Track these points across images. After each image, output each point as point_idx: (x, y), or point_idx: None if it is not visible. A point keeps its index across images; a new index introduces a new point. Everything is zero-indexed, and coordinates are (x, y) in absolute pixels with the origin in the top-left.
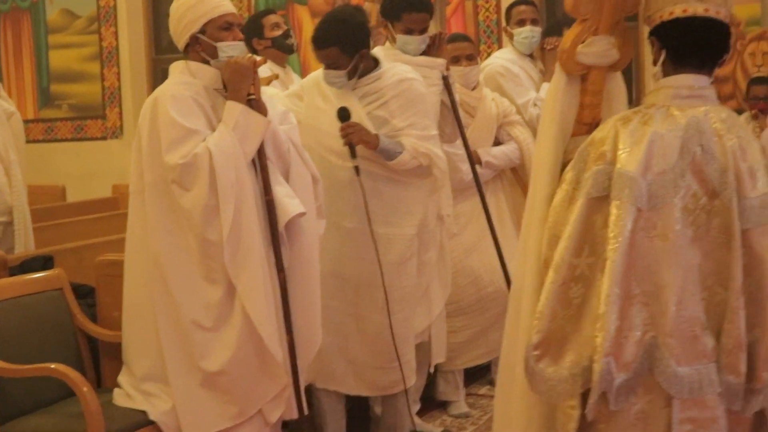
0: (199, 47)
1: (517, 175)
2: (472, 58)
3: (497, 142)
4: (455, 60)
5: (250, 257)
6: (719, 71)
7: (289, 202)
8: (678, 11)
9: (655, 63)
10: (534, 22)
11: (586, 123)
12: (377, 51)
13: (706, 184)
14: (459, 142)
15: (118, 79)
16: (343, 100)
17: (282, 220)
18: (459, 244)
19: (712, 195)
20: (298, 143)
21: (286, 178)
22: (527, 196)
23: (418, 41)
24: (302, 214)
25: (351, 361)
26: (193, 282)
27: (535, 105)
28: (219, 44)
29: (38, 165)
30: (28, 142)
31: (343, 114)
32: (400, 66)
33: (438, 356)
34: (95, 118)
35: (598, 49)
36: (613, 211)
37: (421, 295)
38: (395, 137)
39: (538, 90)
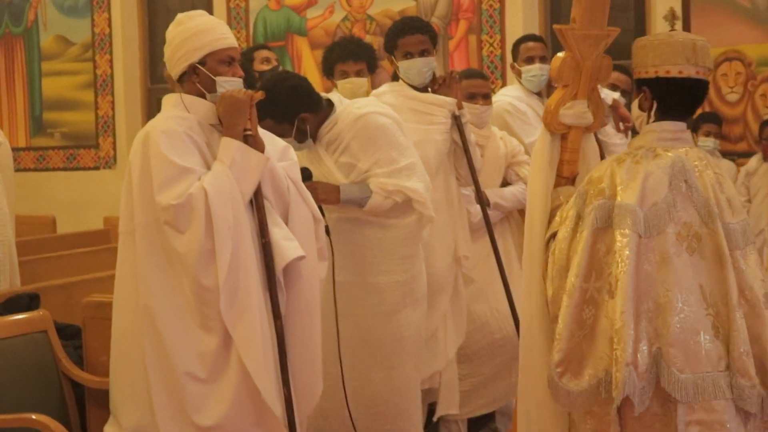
0: (196, 78)
1: (524, 216)
2: (487, 97)
3: (504, 183)
4: (470, 97)
5: (247, 304)
6: (730, 112)
7: (287, 245)
8: (674, 72)
9: (643, 109)
10: (543, 59)
11: (565, 177)
12: (383, 88)
13: (693, 215)
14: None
15: (113, 108)
16: (313, 155)
17: (279, 264)
18: (466, 288)
19: (701, 223)
20: (298, 180)
21: (285, 219)
22: (524, 243)
23: (419, 64)
24: (301, 258)
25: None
26: (186, 330)
27: None
28: (218, 78)
29: (29, 194)
30: (18, 170)
31: (305, 174)
32: (357, 102)
33: (448, 406)
34: (88, 148)
35: (577, 112)
36: (618, 238)
37: (427, 340)
38: (365, 179)
39: None
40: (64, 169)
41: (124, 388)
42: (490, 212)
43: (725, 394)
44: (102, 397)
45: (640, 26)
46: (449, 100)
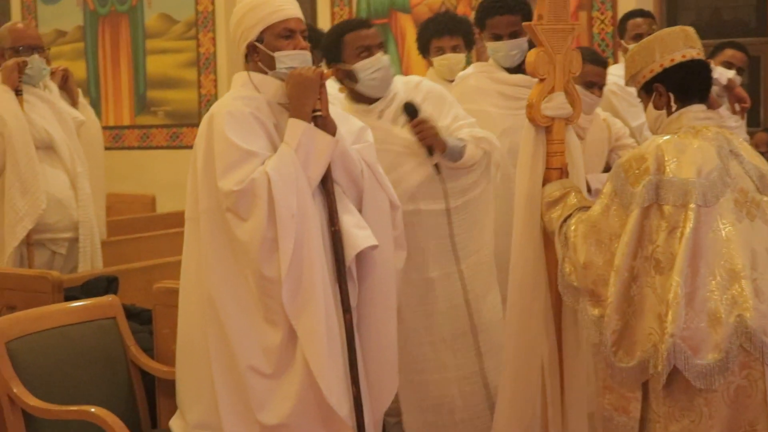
0: (257, 57)
1: None
2: (602, 87)
3: (607, 167)
4: (588, 85)
5: (311, 298)
6: None
7: (359, 233)
8: (678, 57)
9: (659, 107)
10: None
11: (556, 168)
12: (469, 69)
13: (748, 182)
14: None
15: (215, 87)
16: (383, 136)
17: (350, 253)
18: None
19: (755, 191)
20: (374, 164)
21: (359, 205)
22: (513, 233)
23: (508, 47)
24: (374, 247)
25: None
26: (251, 323)
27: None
28: (277, 54)
29: (133, 173)
30: (123, 148)
31: (411, 109)
32: (400, 78)
33: None
34: (191, 126)
35: (557, 104)
36: (669, 214)
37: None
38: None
39: None
40: (167, 147)
41: (189, 381)
42: (591, 199)
43: None
44: (172, 388)
45: (762, 1)
46: None
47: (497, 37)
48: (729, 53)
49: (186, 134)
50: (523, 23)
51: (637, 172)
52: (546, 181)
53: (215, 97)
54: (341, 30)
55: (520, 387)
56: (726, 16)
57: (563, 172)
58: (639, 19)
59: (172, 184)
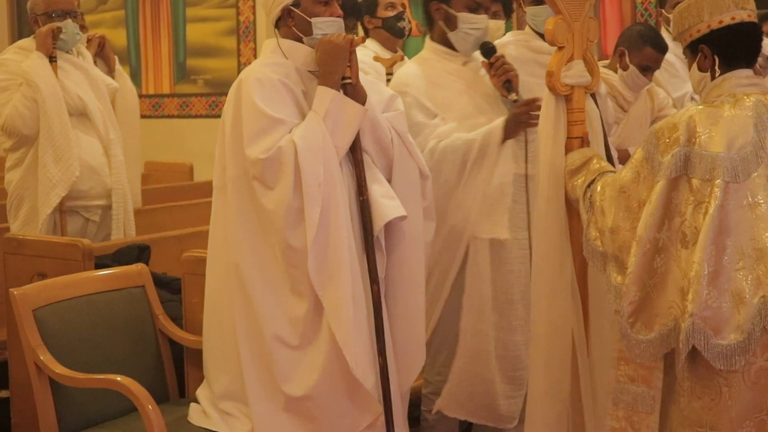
0: (292, 22)
1: None
2: (653, 72)
3: None
4: (644, 69)
5: (338, 268)
6: None
7: (388, 203)
8: (727, 19)
9: (703, 69)
10: None
11: (577, 137)
12: (506, 37)
13: None
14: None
15: (255, 55)
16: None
17: (378, 224)
18: None
19: None
20: (404, 132)
21: (389, 174)
22: (537, 203)
23: (548, 11)
24: (403, 218)
25: (485, 390)
26: (277, 293)
27: (692, 99)
28: (314, 20)
29: (173, 141)
30: (162, 117)
31: (488, 48)
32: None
33: None
34: None
35: (577, 71)
36: (697, 187)
37: None
38: None
39: None
40: (206, 116)
41: (215, 351)
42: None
43: None
44: (200, 357)
45: None
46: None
47: (538, 2)
48: None
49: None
50: None
51: (667, 141)
52: (568, 149)
53: None
54: None
55: (552, 363)
56: None
57: (584, 141)
58: None
59: (210, 153)
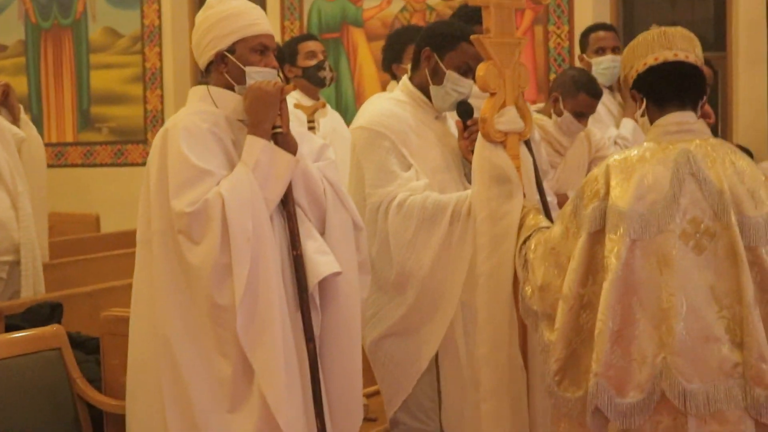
0: (224, 68)
1: None
2: (588, 118)
3: None
4: (579, 115)
5: (268, 328)
6: None
7: (322, 259)
8: (650, 60)
9: (643, 115)
10: (615, 50)
11: None
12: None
13: (704, 209)
14: (545, 185)
15: (162, 102)
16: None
17: (312, 281)
18: None
19: (713, 218)
20: (337, 182)
21: (322, 227)
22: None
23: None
24: (338, 274)
25: None
26: (205, 355)
27: (615, 143)
28: (248, 68)
29: (77, 191)
30: (66, 166)
31: (466, 109)
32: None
33: None
34: (136, 143)
35: (510, 117)
36: (608, 244)
37: None
38: None
39: (617, 126)
40: (112, 165)
41: (140, 417)
42: None
43: (740, 404)
44: (122, 423)
45: (720, 16)
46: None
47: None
48: None
49: (131, 151)
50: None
51: (589, 194)
52: None
53: (161, 113)
54: (470, 32)
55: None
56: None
57: None
58: (601, 33)
59: (116, 203)
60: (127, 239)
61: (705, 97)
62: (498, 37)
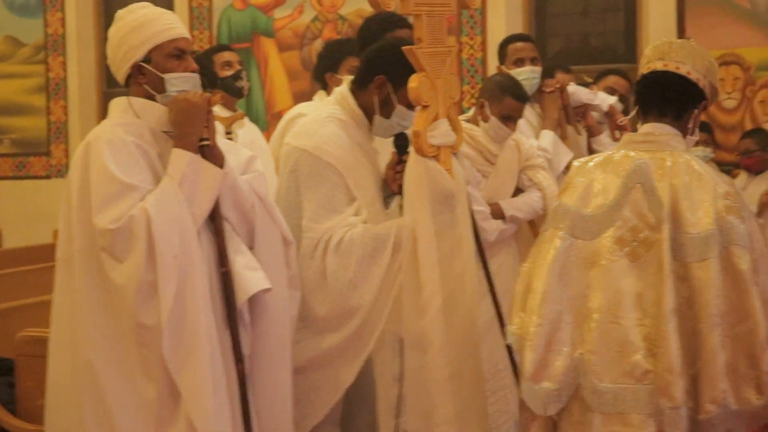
0: (143, 79)
1: (534, 229)
2: (516, 121)
3: (517, 190)
4: (506, 118)
5: (195, 347)
6: (727, 120)
7: (251, 275)
8: (644, 70)
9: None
10: (534, 61)
11: None
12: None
13: (645, 219)
14: (477, 195)
15: (66, 114)
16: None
17: (241, 298)
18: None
19: (652, 229)
20: (266, 196)
21: (250, 242)
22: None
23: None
24: (267, 290)
25: None
26: (129, 378)
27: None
28: (167, 75)
29: None
30: None
31: (403, 143)
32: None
33: None
34: (39, 155)
35: (443, 131)
36: (550, 236)
37: None
38: None
39: (537, 137)
40: (14, 177)
41: None
42: (506, 226)
43: (645, 409)
44: None
45: (630, 28)
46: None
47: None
48: (612, 80)
49: (34, 164)
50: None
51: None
52: None
53: (65, 125)
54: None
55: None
56: (595, 42)
57: None
58: (520, 44)
59: (19, 217)
60: (32, 255)
61: (698, 109)
62: (430, 46)
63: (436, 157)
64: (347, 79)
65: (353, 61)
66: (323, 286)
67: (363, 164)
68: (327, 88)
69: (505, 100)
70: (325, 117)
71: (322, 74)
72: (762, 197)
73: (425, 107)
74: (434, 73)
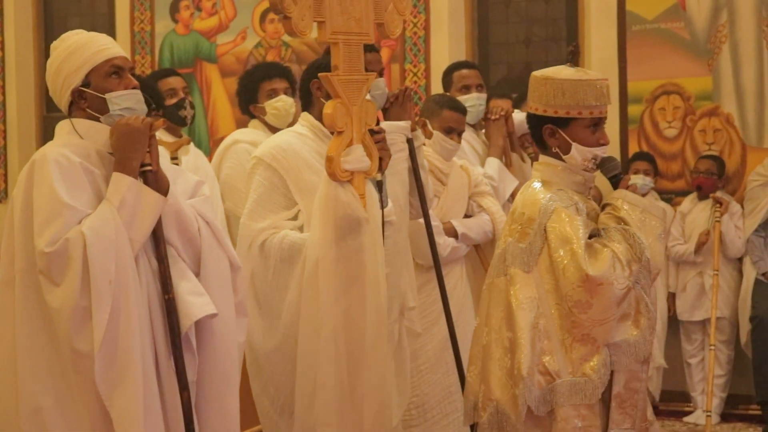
0: (85, 103)
1: (481, 253)
2: (461, 134)
3: (467, 214)
4: (447, 131)
5: (127, 375)
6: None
7: (196, 300)
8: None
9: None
10: (479, 88)
11: None
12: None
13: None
14: (432, 212)
15: (4, 138)
16: None
17: (185, 323)
18: (437, 333)
19: None
20: (213, 220)
21: (197, 267)
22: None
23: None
24: (213, 316)
25: None
26: (66, 406)
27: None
28: (108, 95)
29: None
30: None
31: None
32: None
33: None
34: None
35: (357, 156)
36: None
37: None
38: None
39: (482, 164)
40: None
41: None
42: (457, 245)
43: None
44: None
45: (573, 57)
46: (402, 125)
47: None
48: None
49: None
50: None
51: None
52: None
53: (4, 149)
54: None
55: None
56: (536, 70)
57: None
58: (465, 71)
59: None
60: None
61: (547, 131)
62: (347, 73)
63: (350, 182)
64: (270, 104)
65: (267, 86)
66: (252, 284)
67: (318, 172)
68: (257, 118)
69: (443, 113)
70: (284, 131)
71: (246, 108)
72: (701, 236)
73: (340, 133)
74: (350, 99)
